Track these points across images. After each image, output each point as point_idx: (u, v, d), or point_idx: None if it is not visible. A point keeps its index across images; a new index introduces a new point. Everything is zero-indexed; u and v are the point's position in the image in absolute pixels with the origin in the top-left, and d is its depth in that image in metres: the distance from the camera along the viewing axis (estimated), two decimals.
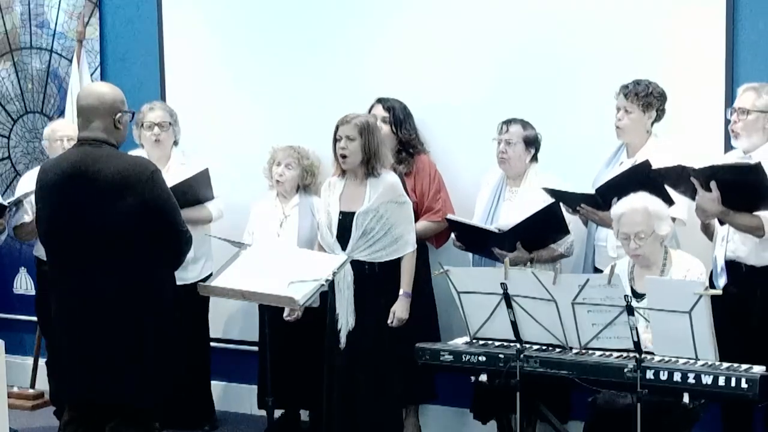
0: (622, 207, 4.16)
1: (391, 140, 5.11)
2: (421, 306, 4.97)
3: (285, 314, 4.89)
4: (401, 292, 4.70)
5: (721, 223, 4.27)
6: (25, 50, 6.44)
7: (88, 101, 4.01)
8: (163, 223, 3.94)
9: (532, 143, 4.81)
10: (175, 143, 5.46)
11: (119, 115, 4.00)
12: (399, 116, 5.14)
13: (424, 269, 5.03)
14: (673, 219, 4.30)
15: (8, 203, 5.17)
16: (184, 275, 5.08)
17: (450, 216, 4.87)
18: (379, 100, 5.18)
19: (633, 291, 4.13)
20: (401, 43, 5.37)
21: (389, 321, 4.66)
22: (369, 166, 4.70)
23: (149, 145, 5.37)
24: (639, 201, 4.14)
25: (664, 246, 4.20)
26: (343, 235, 4.70)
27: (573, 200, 4.50)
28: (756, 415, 4.34)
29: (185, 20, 5.94)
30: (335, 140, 4.74)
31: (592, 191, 4.46)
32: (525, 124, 4.81)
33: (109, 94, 4.03)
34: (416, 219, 5.01)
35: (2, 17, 6.48)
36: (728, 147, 4.64)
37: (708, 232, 4.46)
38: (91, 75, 6.12)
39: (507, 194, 4.86)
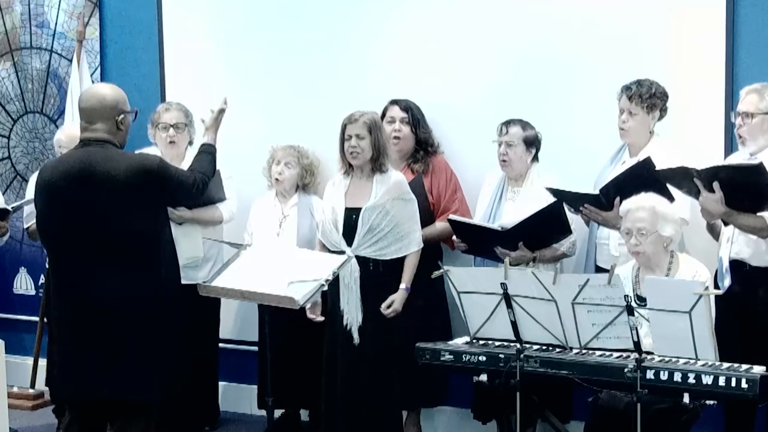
0: (630, 203, 4.18)
1: (411, 140, 5.11)
2: (433, 308, 4.96)
3: (308, 315, 4.82)
4: (402, 286, 4.69)
5: (726, 223, 4.27)
6: (25, 50, 6.44)
7: (90, 103, 4.03)
8: (173, 194, 4.13)
9: (533, 143, 4.81)
10: (190, 143, 5.42)
11: (121, 116, 4.03)
12: (416, 116, 5.15)
13: (435, 269, 5.01)
14: None
15: (12, 207, 5.17)
16: (194, 275, 5.08)
17: (452, 216, 4.86)
18: (395, 102, 5.16)
19: (637, 296, 4.13)
20: (403, 44, 5.37)
21: (385, 306, 4.65)
22: (377, 162, 4.72)
23: (163, 146, 5.34)
24: (648, 199, 4.16)
25: (671, 251, 4.19)
26: (349, 232, 4.71)
27: (576, 200, 4.50)
28: (758, 414, 4.34)
29: (185, 20, 5.94)
30: (343, 140, 4.74)
31: (595, 191, 4.46)
32: (524, 125, 4.81)
33: (110, 96, 4.05)
34: (433, 219, 5.01)
35: (2, 17, 6.48)
36: (729, 147, 4.65)
37: (714, 232, 4.46)
38: (91, 75, 6.12)
39: (509, 194, 4.86)
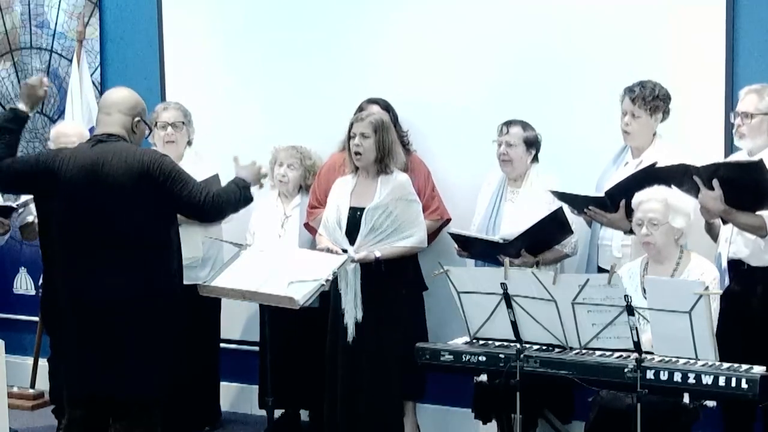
0: (642, 195, 4.17)
1: None
2: (412, 306, 4.98)
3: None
4: (377, 254, 4.66)
5: (725, 222, 4.27)
6: (25, 50, 6.44)
7: (113, 96, 4.13)
8: (179, 200, 3.99)
9: (533, 144, 4.81)
10: (189, 143, 5.43)
11: (137, 119, 4.08)
12: (395, 115, 5.15)
13: (416, 269, 5.04)
14: None
15: (17, 205, 5.17)
16: (195, 275, 5.07)
17: (453, 230, 4.86)
18: (374, 101, 5.14)
19: (644, 289, 4.11)
20: (402, 43, 5.37)
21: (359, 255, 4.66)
22: (382, 163, 4.73)
23: (161, 145, 5.35)
24: (661, 191, 4.15)
25: (680, 245, 4.19)
26: (352, 231, 4.72)
27: (580, 203, 4.49)
28: (757, 414, 4.33)
29: (185, 20, 5.94)
30: (349, 137, 4.75)
31: (598, 193, 4.45)
32: (525, 125, 4.81)
33: (133, 97, 4.13)
34: None
35: (2, 17, 6.48)
36: (729, 147, 4.65)
37: (712, 232, 4.46)
38: (91, 75, 6.13)
39: (508, 195, 4.86)
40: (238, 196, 4.17)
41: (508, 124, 4.81)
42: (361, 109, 5.08)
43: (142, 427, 4.06)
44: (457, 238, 4.79)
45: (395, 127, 5.08)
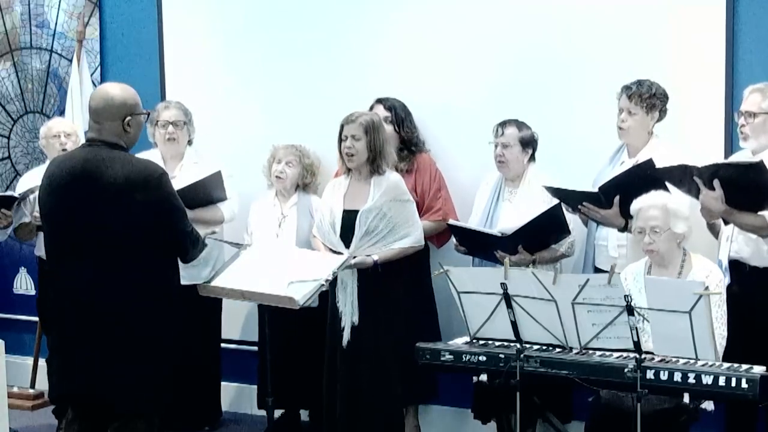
0: (641, 202, 4.16)
1: (394, 139, 5.11)
2: (421, 306, 4.97)
3: None
4: (375, 257, 4.65)
5: (726, 222, 4.27)
6: (25, 50, 6.44)
7: (97, 103, 3.97)
8: (168, 226, 3.90)
9: (529, 144, 4.81)
10: (190, 142, 5.44)
11: (128, 118, 3.93)
12: (400, 115, 5.15)
13: (424, 269, 5.03)
14: None
15: (20, 194, 5.16)
16: (196, 275, 5.06)
17: (451, 221, 4.87)
18: (379, 100, 5.18)
19: None
20: (402, 43, 5.38)
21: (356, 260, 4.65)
22: (374, 164, 4.72)
23: (162, 144, 5.35)
24: (659, 197, 4.14)
25: (683, 248, 4.19)
26: (347, 234, 4.70)
27: (575, 198, 4.49)
28: (760, 416, 4.33)
29: (185, 20, 5.94)
30: (340, 140, 4.74)
31: (594, 189, 4.45)
32: (520, 125, 4.81)
33: (117, 97, 3.95)
34: None
35: (2, 17, 6.48)
36: (729, 148, 4.65)
37: (714, 231, 4.46)
38: (91, 75, 6.13)
39: (506, 194, 4.86)
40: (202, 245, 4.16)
41: (503, 124, 4.80)
42: (370, 110, 5.09)
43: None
44: (455, 230, 4.79)
45: (404, 127, 5.08)
